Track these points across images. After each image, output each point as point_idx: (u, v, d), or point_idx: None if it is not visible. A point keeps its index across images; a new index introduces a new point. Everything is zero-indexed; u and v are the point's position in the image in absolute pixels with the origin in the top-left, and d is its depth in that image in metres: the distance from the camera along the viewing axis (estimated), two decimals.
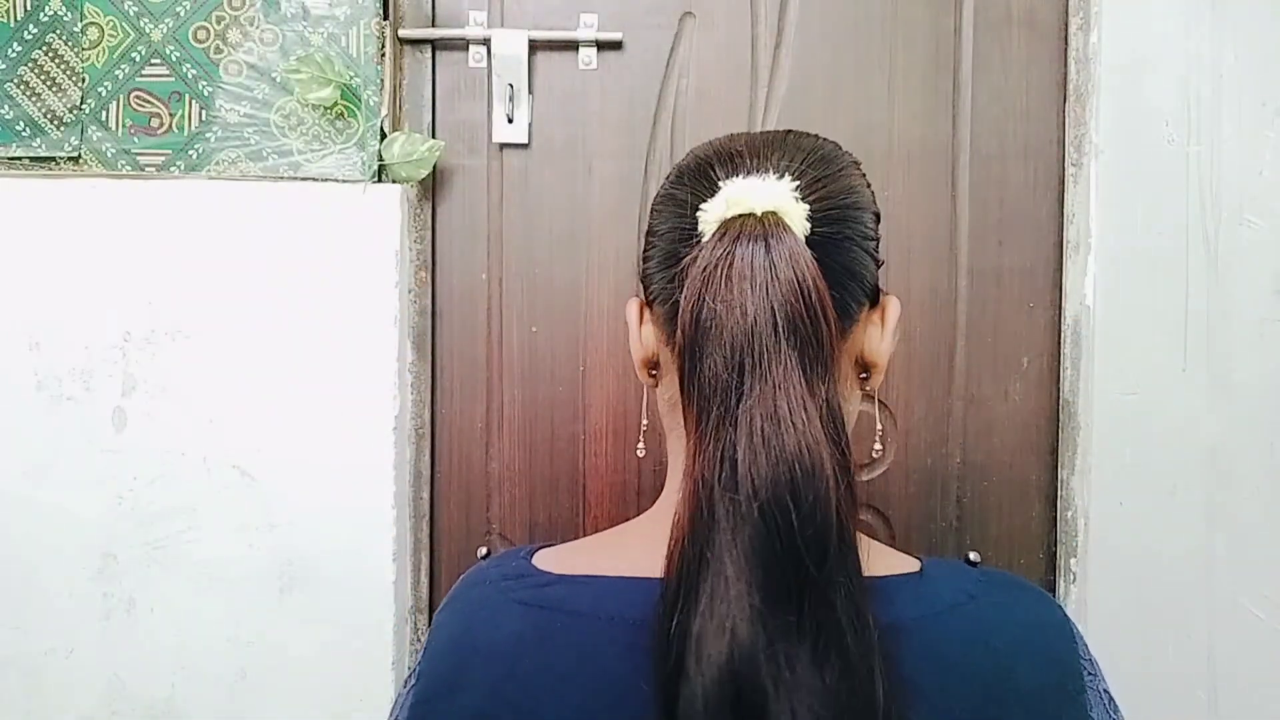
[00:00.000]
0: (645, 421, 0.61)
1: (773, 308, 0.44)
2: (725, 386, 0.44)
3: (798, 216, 0.48)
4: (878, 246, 0.53)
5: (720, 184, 0.49)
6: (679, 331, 0.47)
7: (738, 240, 0.46)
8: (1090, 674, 0.50)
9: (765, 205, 0.47)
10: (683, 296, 0.47)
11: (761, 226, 0.46)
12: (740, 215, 0.47)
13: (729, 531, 0.42)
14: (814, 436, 0.43)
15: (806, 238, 0.47)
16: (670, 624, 0.43)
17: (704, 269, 0.46)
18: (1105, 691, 0.51)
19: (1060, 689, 0.48)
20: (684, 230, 0.51)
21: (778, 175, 0.49)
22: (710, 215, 0.49)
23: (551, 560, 0.54)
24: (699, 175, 0.52)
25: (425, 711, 0.49)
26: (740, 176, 0.49)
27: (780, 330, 0.44)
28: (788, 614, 0.41)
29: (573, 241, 1.02)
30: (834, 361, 0.46)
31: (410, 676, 0.53)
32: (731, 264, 0.45)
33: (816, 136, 0.54)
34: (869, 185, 0.54)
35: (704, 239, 0.48)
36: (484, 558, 0.57)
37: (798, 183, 0.48)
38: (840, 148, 0.54)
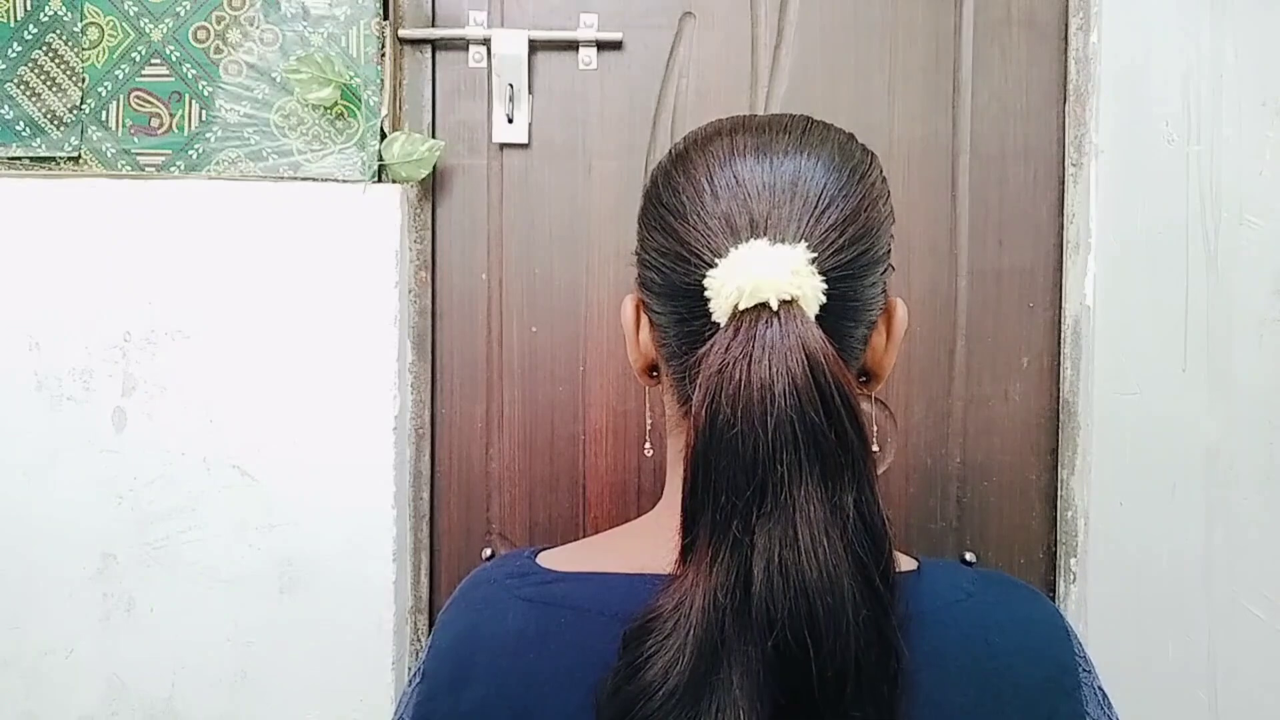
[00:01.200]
0: (650, 420, 0.61)
1: (793, 420, 0.42)
2: (745, 505, 0.42)
3: (813, 293, 0.45)
4: (890, 255, 0.51)
5: (729, 245, 0.46)
6: (691, 430, 0.44)
7: (753, 340, 0.43)
8: (1085, 670, 0.50)
9: (781, 293, 0.44)
10: (695, 396, 0.44)
11: (779, 321, 0.44)
12: (756, 306, 0.44)
13: (741, 662, 0.41)
14: (836, 567, 0.41)
15: (825, 291, 0.46)
16: None
17: (720, 369, 0.44)
18: (1099, 688, 0.51)
19: (1056, 684, 0.48)
20: (688, 284, 0.48)
21: (793, 240, 0.46)
22: (721, 295, 0.45)
23: (555, 559, 0.54)
24: (700, 206, 0.48)
25: (430, 709, 0.50)
26: (751, 239, 0.46)
27: (802, 445, 0.42)
28: None
29: (573, 241, 1.02)
30: (863, 464, 0.43)
31: (414, 675, 0.53)
32: (749, 367, 0.43)
33: (830, 146, 0.50)
34: (886, 190, 0.51)
35: (715, 320, 0.46)
36: (488, 559, 0.57)
37: (815, 253, 0.45)
38: (854, 149, 0.51)
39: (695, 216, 0.48)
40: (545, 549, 0.56)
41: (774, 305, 0.44)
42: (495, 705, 0.48)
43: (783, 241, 0.45)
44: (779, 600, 0.40)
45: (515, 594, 0.51)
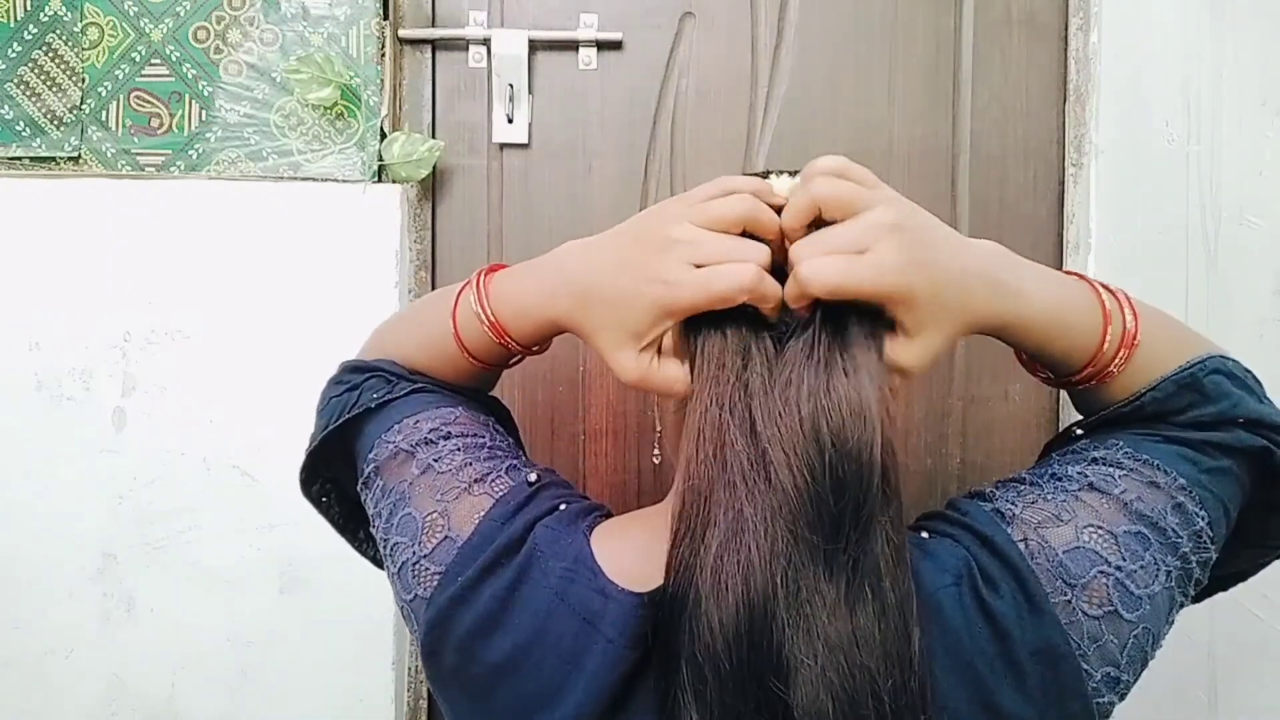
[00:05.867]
0: (660, 429, 0.61)
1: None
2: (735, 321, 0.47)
3: None
4: None
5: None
6: None
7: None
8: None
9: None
10: None
11: None
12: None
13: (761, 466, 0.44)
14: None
15: None
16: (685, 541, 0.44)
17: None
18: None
19: (1052, 651, 0.47)
20: None
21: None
22: None
23: (609, 555, 0.50)
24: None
25: (448, 623, 0.50)
26: (775, 177, 0.50)
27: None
28: (821, 545, 0.42)
29: None
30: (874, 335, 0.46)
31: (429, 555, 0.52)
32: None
33: None
34: None
35: None
36: (532, 485, 0.54)
37: None
38: None
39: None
40: (598, 519, 0.53)
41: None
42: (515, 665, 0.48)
43: (796, 178, 0.50)
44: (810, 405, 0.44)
45: (560, 596, 0.49)
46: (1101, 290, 0.51)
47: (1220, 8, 0.97)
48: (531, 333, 0.54)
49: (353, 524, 0.68)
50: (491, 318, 0.54)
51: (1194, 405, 0.50)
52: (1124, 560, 0.47)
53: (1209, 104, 0.97)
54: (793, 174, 0.51)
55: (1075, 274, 0.53)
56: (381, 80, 0.99)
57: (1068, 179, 1.01)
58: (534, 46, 1.02)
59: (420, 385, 0.59)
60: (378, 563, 0.67)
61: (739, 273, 0.45)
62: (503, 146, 1.03)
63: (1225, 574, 0.54)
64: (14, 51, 1.00)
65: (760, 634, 0.42)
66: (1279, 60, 0.97)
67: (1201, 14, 0.97)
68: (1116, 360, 0.50)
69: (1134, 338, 0.50)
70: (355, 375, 0.60)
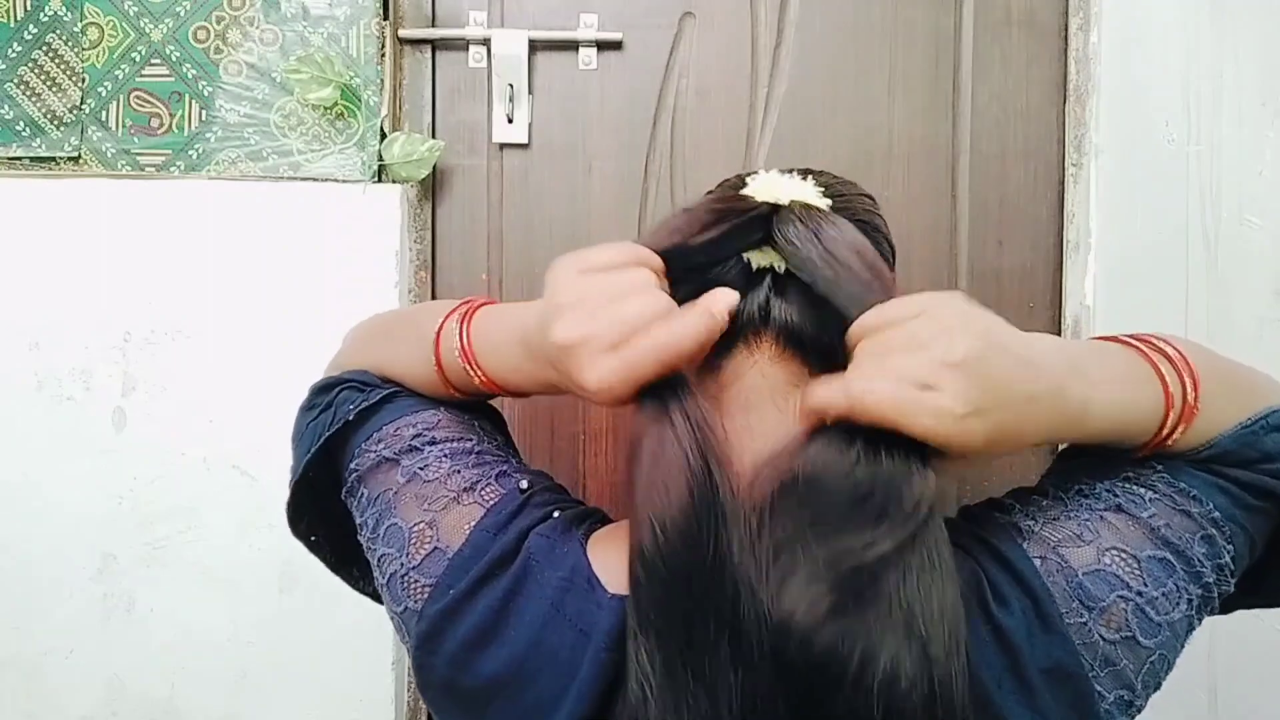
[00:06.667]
0: None
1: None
2: None
3: (826, 207, 0.50)
4: (891, 281, 0.50)
5: (746, 180, 0.51)
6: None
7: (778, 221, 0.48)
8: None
9: (794, 195, 0.49)
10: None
11: (793, 212, 0.48)
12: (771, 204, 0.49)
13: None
14: None
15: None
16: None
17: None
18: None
19: (1064, 672, 0.46)
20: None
21: (802, 178, 0.51)
22: None
23: (606, 563, 0.49)
24: (725, 185, 0.54)
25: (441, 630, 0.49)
26: (764, 173, 0.51)
27: None
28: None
29: (573, 241, 1.02)
30: None
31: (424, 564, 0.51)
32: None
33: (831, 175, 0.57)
34: (883, 221, 0.55)
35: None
36: (525, 492, 0.52)
37: (822, 189, 0.50)
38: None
39: (718, 189, 0.54)
40: (594, 525, 0.52)
41: (785, 202, 0.48)
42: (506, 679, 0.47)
43: (794, 175, 0.51)
44: None
45: (556, 607, 0.47)
46: (1160, 361, 0.47)
47: (1220, 8, 0.97)
48: (516, 384, 0.52)
49: (346, 560, 0.66)
50: (481, 373, 0.52)
51: (1252, 462, 0.48)
52: (1145, 586, 0.46)
53: (1209, 104, 0.97)
54: (793, 173, 0.52)
55: (1127, 341, 0.49)
56: (381, 80, 1.00)
57: (1068, 179, 1.01)
58: (534, 46, 1.01)
59: (395, 390, 0.57)
60: (376, 598, 0.66)
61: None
62: (503, 146, 1.03)
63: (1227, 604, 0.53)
64: (14, 51, 1.00)
65: (694, 549, 0.41)
66: (1279, 60, 0.97)
67: (1201, 14, 0.97)
68: (1173, 436, 0.47)
69: (1194, 409, 0.47)
70: (324, 395, 0.59)
